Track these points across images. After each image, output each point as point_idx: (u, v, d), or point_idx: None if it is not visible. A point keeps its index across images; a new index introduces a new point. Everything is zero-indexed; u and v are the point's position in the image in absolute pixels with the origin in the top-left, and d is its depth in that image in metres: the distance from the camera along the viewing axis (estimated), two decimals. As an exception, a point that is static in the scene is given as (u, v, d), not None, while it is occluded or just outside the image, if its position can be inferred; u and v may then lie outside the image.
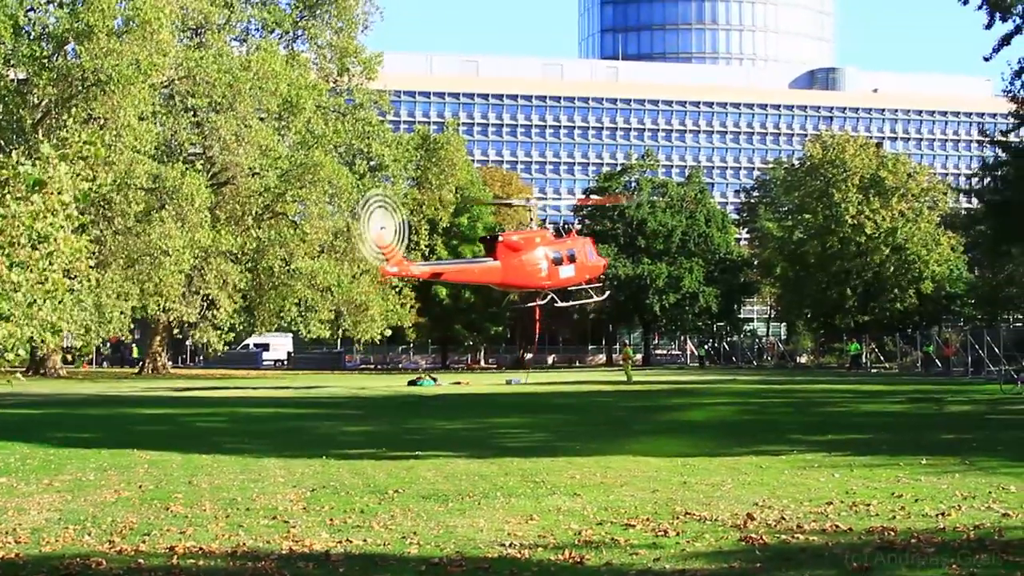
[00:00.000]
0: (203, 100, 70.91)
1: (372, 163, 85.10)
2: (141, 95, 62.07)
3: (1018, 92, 37.53)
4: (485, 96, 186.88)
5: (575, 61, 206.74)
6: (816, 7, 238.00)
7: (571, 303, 61.20)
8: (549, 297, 54.51)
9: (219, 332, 74.50)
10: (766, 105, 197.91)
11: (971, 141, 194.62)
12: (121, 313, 63.35)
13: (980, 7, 37.53)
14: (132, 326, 71.75)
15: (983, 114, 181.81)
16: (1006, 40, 37.09)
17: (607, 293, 65.64)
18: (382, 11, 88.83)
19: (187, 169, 66.30)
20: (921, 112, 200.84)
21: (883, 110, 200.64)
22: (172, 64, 68.23)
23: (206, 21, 77.38)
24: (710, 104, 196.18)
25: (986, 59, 38.36)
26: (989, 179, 41.57)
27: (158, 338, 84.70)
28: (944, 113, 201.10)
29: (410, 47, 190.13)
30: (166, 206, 64.83)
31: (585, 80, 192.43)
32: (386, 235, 45.62)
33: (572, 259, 53.89)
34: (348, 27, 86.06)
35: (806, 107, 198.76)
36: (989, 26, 37.68)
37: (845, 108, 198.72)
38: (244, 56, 77.12)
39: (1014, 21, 37.23)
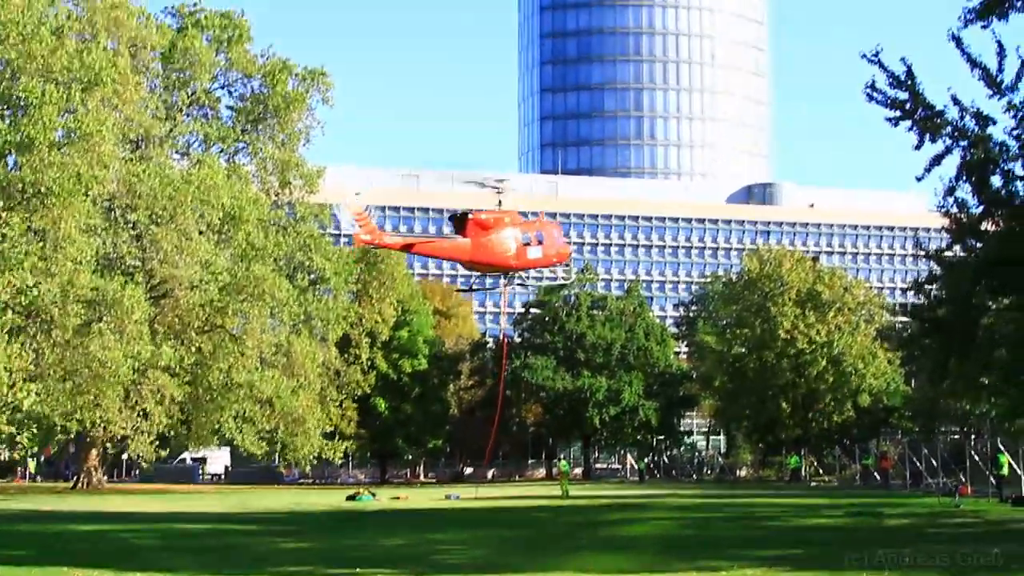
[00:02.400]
0: (144, 214, 70.77)
1: (313, 276, 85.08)
2: (82, 208, 61.86)
3: (951, 208, 38.18)
4: (425, 210, 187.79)
5: (515, 175, 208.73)
6: (753, 124, 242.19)
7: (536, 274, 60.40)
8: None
9: (154, 446, 73.66)
10: (704, 220, 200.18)
11: (906, 255, 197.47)
12: (57, 426, 62.55)
13: (910, 129, 38.28)
14: (64, 440, 70.78)
15: (917, 229, 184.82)
16: (937, 160, 37.82)
17: (569, 264, 64.99)
18: (323, 125, 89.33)
19: (127, 282, 65.92)
20: (857, 227, 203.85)
21: (819, 225, 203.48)
22: (114, 177, 68.14)
23: (148, 134, 77.52)
24: (649, 219, 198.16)
25: (918, 179, 39.08)
26: (923, 298, 42.12)
27: (94, 452, 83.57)
28: (879, 228, 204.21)
29: (351, 161, 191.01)
30: (105, 319, 64.33)
31: (525, 194, 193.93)
32: (359, 201, 45.94)
33: (540, 241, 53.98)
34: (290, 141, 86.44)
35: (743, 222, 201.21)
36: (918, 147, 38.45)
37: (782, 223, 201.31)
38: (186, 169, 77.21)
39: (944, 142, 37.97)
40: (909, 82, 38.08)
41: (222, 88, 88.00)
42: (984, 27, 38.54)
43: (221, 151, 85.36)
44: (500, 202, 55.75)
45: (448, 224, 54.66)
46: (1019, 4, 38.61)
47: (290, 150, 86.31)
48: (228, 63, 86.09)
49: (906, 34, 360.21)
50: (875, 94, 38.60)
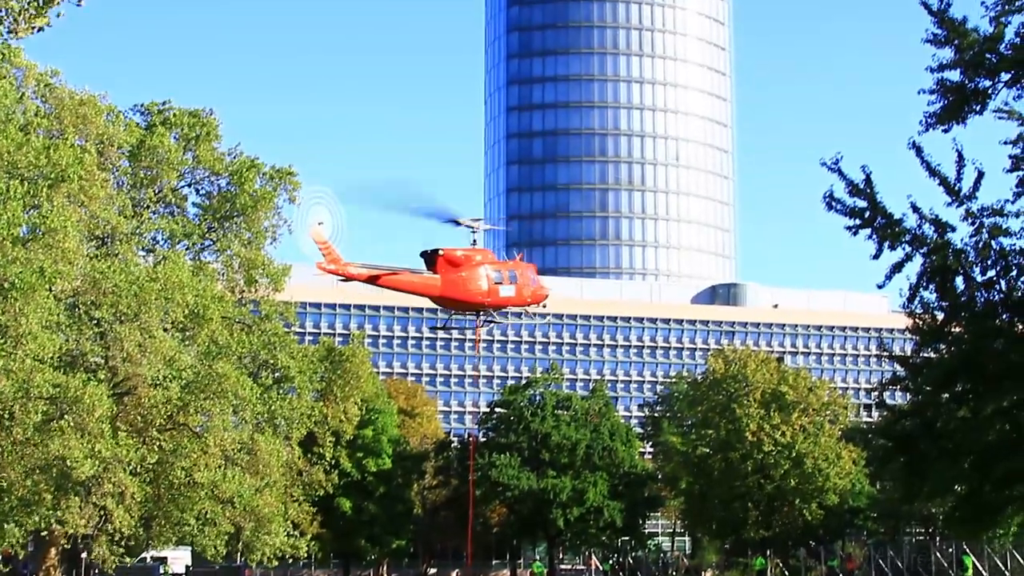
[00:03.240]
0: (108, 311, 70.38)
1: (278, 374, 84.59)
2: (45, 304, 61.53)
3: (915, 309, 38.39)
4: (391, 309, 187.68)
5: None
6: (718, 224, 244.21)
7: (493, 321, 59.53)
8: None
9: (114, 546, 72.58)
10: (669, 320, 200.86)
11: (870, 356, 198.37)
12: (16, 525, 61.57)
13: (869, 237, 38.65)
14: (25, 539, 69.67)
15: (880, 329, 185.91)
16: (897, 268, 38.21)
17: (546, 306, 64.23)
18: (291, 224, 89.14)
19: (89, 379, 65.40)
20: (821, 327, 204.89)
21: (784, 325, 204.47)
22: (78, 274, 67.86)
23: (114, 231, 77.32)
24: (614, 319, 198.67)
25: (879, 286, 39.35)
26: (886, 410, 42.15)
27: (52, 551, 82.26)
28: (843, 328, 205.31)
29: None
30: (66, 416, 63.74)
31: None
32: (323, 231, 45.36)
33: (513, 281, 53.50)
34: (257, 239, 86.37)
35: (708, 322, 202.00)
36: (877, 256, 38.82)
37: (747, 323, 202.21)
38: (151, 267, 76.96)
39: (903, 249, 38.32)
40: (868, 190, 38.52)
41: (189, 186, 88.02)
42: (945, 131, 39.13)
43: (187, 248, 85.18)
44: (475, 241, 55.37)
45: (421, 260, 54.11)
46: (978, 108, 39.25)
47: (256, 248, 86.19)
48: (196, 161, 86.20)
49: (868, 137, 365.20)
50: (834, 203, 39.00)
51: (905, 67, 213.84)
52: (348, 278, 50.47)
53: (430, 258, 51.80)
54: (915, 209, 38.19)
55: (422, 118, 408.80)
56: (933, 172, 38.32)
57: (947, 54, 39.21)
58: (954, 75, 39.38)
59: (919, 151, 38.66)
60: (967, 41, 38.41)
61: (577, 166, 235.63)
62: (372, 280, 52.10)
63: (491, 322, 55.39)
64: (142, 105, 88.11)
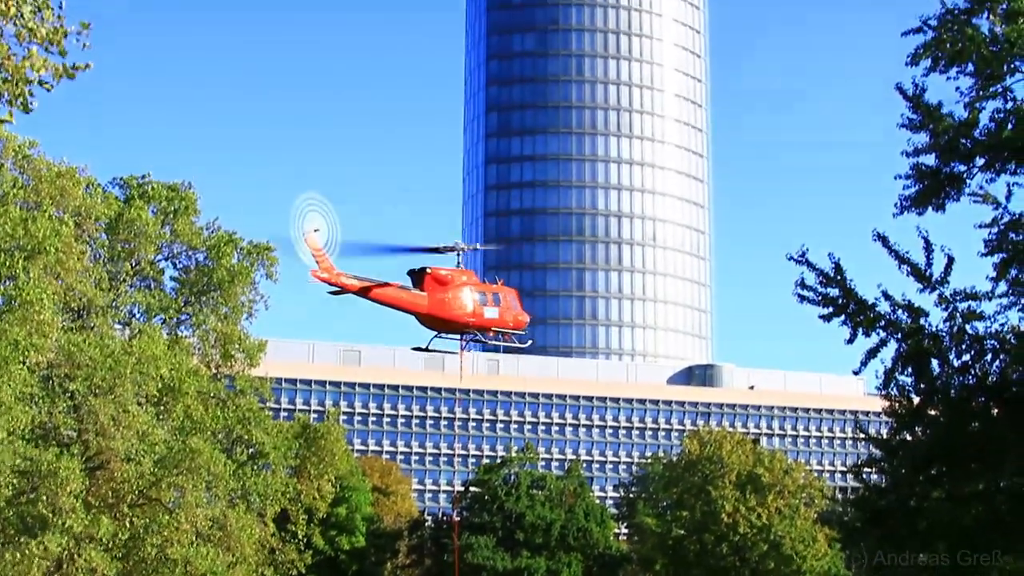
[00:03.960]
0: (83, 384, 69.95)
1: (252, 450, 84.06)
2: (19, 376, 61.13)
3: (891, 392, 38.43)
4: (366, 386, 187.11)
5: (456, 353, 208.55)
6: (694, 305, 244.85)
7: (496, 343, 59.89)
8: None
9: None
10: (645, 400, 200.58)
11: (846, 438, 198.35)
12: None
13: (843, 324, 38.80)
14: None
15: (856, 412, 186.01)
16: (872, 354, 38.32)
17: (529, 342, 64.35)
18: (267, 299, 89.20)
19: (62, 453, 64.89)
20: (797, 409, 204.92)
21: (760, 407, 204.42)
22: (53, 346, 67.52)
23: (90, 304, 77.10)
24: (590, 398, 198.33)
25: (855, 372, 39.41)
26: (863, 487, 42.09)
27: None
28: (819, 411, 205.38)
29: (293, 335, 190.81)
30: (38, 490, 63.13)
31: (466, 372, 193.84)
32: (319, 238, 45.43)
33: (497, 303, 54.02)
34: (233, 314, 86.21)
35: (684, 403, 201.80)
36: (851, 341, 38.93)
37: (723, 404, 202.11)
38: (127, 340, 76.63)
39: (878, 335, 38.45)
40: (839, 278, 38.69)
41: (167, 259, 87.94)
42: (919, 214, 39.39)
43: (163, 322, 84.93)
44: (459, 263, 55.63)
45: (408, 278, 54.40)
46: (954, 193, 39.54)
47: (233, 323, 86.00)
48: (174, 235, 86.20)
49: (843, 219, 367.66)
50: (805, 292, 39.14)
51: (879, 151, 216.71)
52: (341, 288, 50.48)
53: (417, 276, 52.25)
54: (887, 296, 38.34)
55: (401, 194, 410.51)
56: (902, 260, 38.52)
57: (922, 138, 39.55)
58: (929, 159, 39.71)
59: (885, 241, 38.90)
60: (942, 126, 38.76)
61: (554, 245, 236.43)
62: (363, 292, 52.05)
63: (476, 341, 55.79)
64: (121, 178, 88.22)
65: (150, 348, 72.17)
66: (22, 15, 25.11)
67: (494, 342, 58.09)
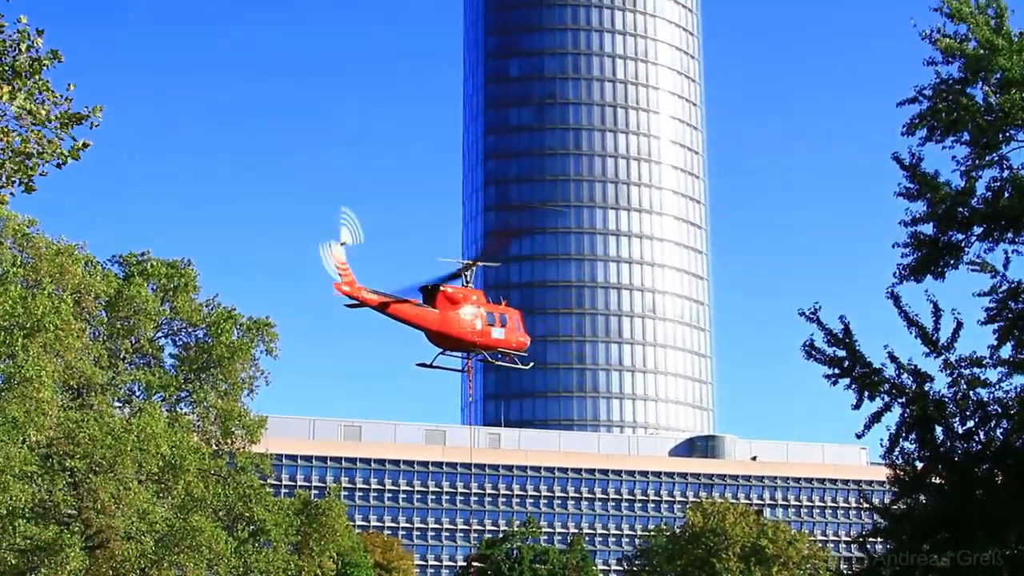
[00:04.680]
0: (82, 461, 69.71)
1: (253, 527, 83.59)
2: (18, 454, 60.96)
3: (895, 460, 38.31)
4: (367, 461, 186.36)
5: (457, 427, 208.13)
6: (695, 376, 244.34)
7: (500, 363, 60.08)
8: None
9: None
10: (647, 473, 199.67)
11: (849, 508, 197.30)
12: None
13: (848, 387, 38.76)
14: None
15: (860, 481, 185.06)
16: (876, 418, 38.23)
17: (531, 364, 64.59)
18: (268, 375, 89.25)
19: (62, 531, 64.55)
20: (800, 480, 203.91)
21: (763, 478, 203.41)
22: (52, 424, 67.37)
23: (89, 382, 76.98)
24: (592, 471, 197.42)
25: (858, 436, 39.31)
26: (866, 556, 41.87)
27: None
28: (822, 481, 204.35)
29: (293, 410, 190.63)
30: (38, 568, 62.76)
31: (467, 446, 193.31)
32: (343, 252, 46.42)
33: (504, 324, 54.88)
34: (233, 390, 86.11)
35: (687, 475, 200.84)
36: (857, 406, 38.83)
37: (725, 476, 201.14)
38: (126, 418, 76.45)
39: (883, 399, 38.38)
40: (847, 340, 38.66)
41: (166, 336, 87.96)
42: (918, 282, 39.44)
43: (163, 400, 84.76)
44: (467, 282, 56.30)
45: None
46: (952, 261, 39.60)
47: (233, 400, 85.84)
48: (173, 312, 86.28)
49: (844, 286, 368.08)
50: (813, 352, 39.11)
51: (880, 218, 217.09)
52: (361, 302, 51.00)
53: (429, 294, 52.99)
54: (893, 359, 38.31)
55: (401, 267, 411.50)
56: (912, 323, 38.53)
57: (920, 207, 39.68)
58: (927, 228, 39.81)
59: (897, 301, 38.93)
60: (939, 195, 38.90)
61: (554, 318, 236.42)
62: (382, 307, 52.60)
63: (484, 361, 56.43)
64: (120, 255, 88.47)
65: (150, 425, 71.97)
66: (24, 91, 25.31)
67: (499, 363, 58.65)
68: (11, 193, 26.42)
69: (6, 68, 25.10)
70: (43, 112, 25.72)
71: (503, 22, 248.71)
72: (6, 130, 25.67)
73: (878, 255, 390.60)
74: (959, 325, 37.89)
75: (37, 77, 25.60)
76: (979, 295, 39.08)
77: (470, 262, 56.88)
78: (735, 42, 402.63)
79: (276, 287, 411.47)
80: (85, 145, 26.53)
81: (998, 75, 37.84)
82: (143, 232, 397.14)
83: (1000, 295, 38.45)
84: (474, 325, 53.78)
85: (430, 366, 57.58)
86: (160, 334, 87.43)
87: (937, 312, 38.13)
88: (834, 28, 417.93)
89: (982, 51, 37.75)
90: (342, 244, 48.20)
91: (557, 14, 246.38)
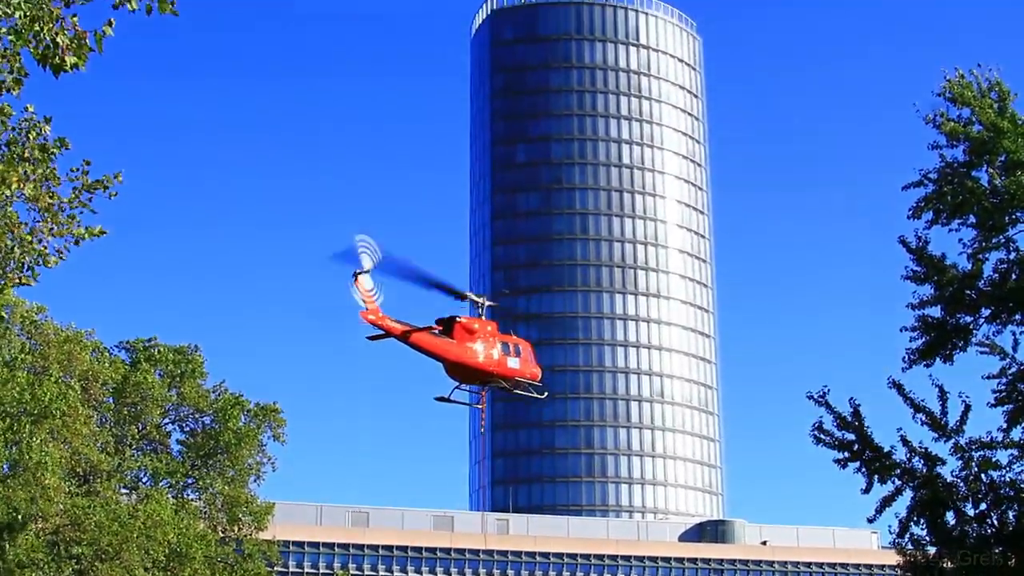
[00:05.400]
0: (88, 548, 69.42)
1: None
2: (24, 542, 60.73)
3: (905, 545, 38.03)
4: (375, 548, 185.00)
5: (465, 513, 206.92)
6: (704, 461, 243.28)
7: (517, 391, 60.13)
8: None
9: None
10: (657, 559, 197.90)
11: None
12: None
13: (858, 470, 38.60)
14: None
15: (872, 565, 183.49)
16: (887, 502, 38.02)
17: (545, 394, 64.76)
18: (275, 461, 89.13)
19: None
20: (811, 564, 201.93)
21: (773, 563, 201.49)
22: (58, 511, 67.19)
23: (96, 468, 76.88)
24: (600, 557, 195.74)
25: (870, 520, 39.08)
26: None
27: None
28: (833, 565, 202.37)
29: (300, 497, 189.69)
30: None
31: (475, 532, 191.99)
32: (368, 280, 46.86)
33: (518, 354, 55.59)
34: (240, 477, 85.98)
35: (697, 560, 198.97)
36: (867, 490, 38.65)
37: (736, 561, 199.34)
38: (133, 504, 76.25)
39: (893, 483, 38.20)
40: (856, 423, 38.55)
41: (173, 423, 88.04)
42: (927, 366, 39.38)
43: (170, 486, 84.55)
44: (481, 314, 56.84)
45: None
46: (961, 344, 39.55)
47: (240, 486, 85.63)
48: (180, 398, 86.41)
49: (854, 368, 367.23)
50: (822, 436, 38.98)
51: (888, 300, 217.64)
52: (385, 331, 51.25)
53: (447, 325, 53.36)
54: (904, 442, 38.20)
55: (406, 358, 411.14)
56: (918, 409, 38.46)
57: (927, 290, 39.73)
58: (935, 311, 39.83)
59: (900, 389, 38.87)
60: (947, 278, 38.96)
61: (562, 403, 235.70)
62: (405, 335, 52.90)
63: (500, 388, 56.86)
64: (127, 342, 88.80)
65: (157, 512, 71.77)
66: (32, 180, 25.51)
67: (516, 391, 58.88)
68: (20, 282, 26.54)
69: (15, 156, 25.33)
70: (49, 200, 25.93)
71: (509, 108, 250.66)
72: (15, 217, 25.86)
73: (887, 337, 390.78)
74: (967, 408, 37.83)
75: (46, 165, 25.83)
76: (988, 377, 39.03)
77: (483, 298, 57.58)
78: (741, 126, 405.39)
79: (284, 372, 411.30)
80: (101, 232, 26.76)
81: (1003, 158, 38.04)
82: (151, 317, 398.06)
83: (1009, 377, 38.39)
84: (491, 355, 54.46)
85: (447, 400, 57.95)
86: (167, 420, 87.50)
87: (944, 396, 38.07)
88: (839, 111, 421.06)
89: (986, 134, 37.98)
90: (365, 272, 48.72)
91: (563, 100, 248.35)
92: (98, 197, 26.77)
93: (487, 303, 57.57)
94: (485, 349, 54.46)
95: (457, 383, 56.87)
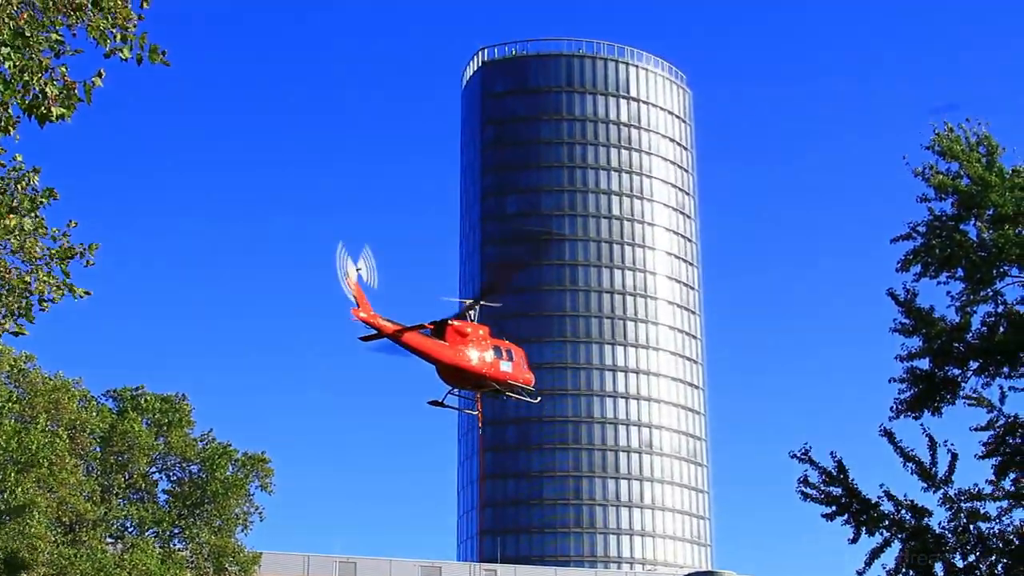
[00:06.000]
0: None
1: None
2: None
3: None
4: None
5: (453, 564, 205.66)
6: (693, 512, 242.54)
7: (511, 395, 59.53)
8: None
9: None
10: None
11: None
12: None
13: (845, 523, 38.56)
14: None
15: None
16: (876, 554, 37.97)
17: (539, 399, 64.21)
18: (262, 511, 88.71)
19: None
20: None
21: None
22: (44, 560, 66.79)
23: (81, 518, 76.46)
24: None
25: (859, 572, 38.97)
26: None
27: None
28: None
29: (288, 546, 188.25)
30: None
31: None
32: (360, 277, 46.95)
33: (511, 358, 55.62)
34: (227, 526, 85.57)
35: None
36: (855, 540, 38.60)
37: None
38: (119, 553, 75.85)
39: (881, 534, 38.16)
40: (842, 476, 38.53)
41: (160, 472, 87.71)
42: (916, 418, 39.41)
43: (156, 535, 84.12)
44: (474, 317, 56.86)
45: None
46: (949, 396, 39.61)
47: (227, 535, 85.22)
48: (167, 447, 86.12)
49: (841, 419, 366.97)
50: (808, 489, 38.94)
51: (877, 351, 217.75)
52: (377, 330, 51.00)
53: (439, 328, 53.12)
54: (890, 497, 38.15)
55: (395, 407, 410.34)
56: (908, 458, 38.45)
57: (916, 343, 39.82)
58: (923, 363, 39.91)
59: (891, 437, 38.89)
60: (935, 330, 39.05)
61: (551, 453, 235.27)
62: (397, 335, 52.57)
63: (494, 393, 56.60)
64: (115, 390, 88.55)
65: (143, 561, 71.44)
66: (22, 228, 25.53)
67: (509, 394, 58.54)
68: (16, 332, 26.51)
69: (3, 206, 25.36)
70: (37, 250, 25.96)
71: (500, 160, 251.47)
72: (5, 264, 25.87)
73: (875, 388, 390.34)
74: (955, 458, 37.84)
75: (34, 214, 25.86)
76: (976, 429, 39.07)
77: (472, 300, 57.52)
78: (730, 178, 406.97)
79: (273, 420, 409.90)
80: (86, 293, 26.75)
81: (991, 211, 38.24)
82: (138, 365, 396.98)
83: (998, 429, 38.44)
84: (484, 358, 54.38)
85: (441, 404, 57.79)
86: (154, 469, 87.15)
87: (933, 446, 38.10)
88: (828, 164, 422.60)
89: (975, 188, 38.19)
90: (358, 270, 48.89)
91: (553, 152, 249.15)
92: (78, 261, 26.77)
93: (477, 305, 57.61)
94: (478, 352, 54.40)
95: (450, 389, 56.85)
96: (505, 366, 55.81)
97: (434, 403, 57.55)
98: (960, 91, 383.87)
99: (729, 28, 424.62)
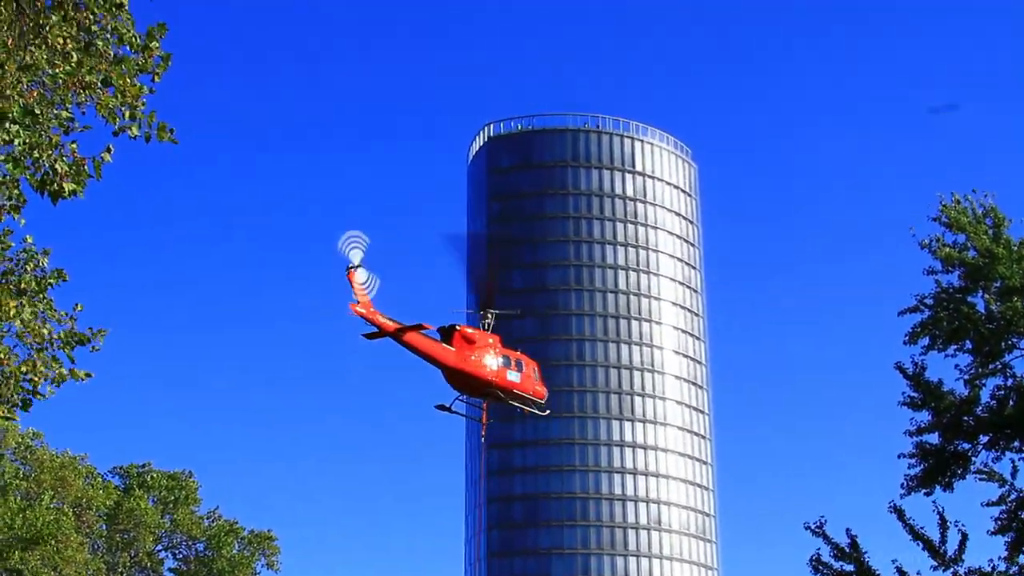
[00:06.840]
0: None
1: None
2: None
3: None
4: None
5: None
6: (702, 563, 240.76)
7: (518, 405, 58.45)
8: None
9: None
10: None
11: None
12: None
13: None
14: None
15: None
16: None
17: (548, 412, 62.87)
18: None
19: None
20: None
21: None
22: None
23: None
24: None
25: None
26: None
27: None
28: None
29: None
30: None
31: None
32: (359, 274, 45.38)
33: (520, 369, 55.40)
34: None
35: None
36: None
37: None
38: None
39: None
40: (854, 554, 38.19)
41: (166, 550, 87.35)
42: (927, 495, 39.09)
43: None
44: (487, 326, 56.42)
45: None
46: (959, 471, 39.30)
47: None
48: (173, 525, 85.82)
49: (850, 494, 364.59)
50: (820, 567, 38.58)
51: (885, 425, 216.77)
52: (377, 327, 50.16)
53: (447, 333, 53.14)
54: (901, 574, 37.81)
55: (402, 483, 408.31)
56: (917, 536, 38.13)
57: (925, 416, 39.60)
58: (933, 437, 39.66)
59: (901, 515, 38.57)
60: (944, 404, 38.85)
61: (559, 530, 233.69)
62: (397, 333, 51.63)
63: (500, 401, 56.13)
64: (121, 467, 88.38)
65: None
66: (23, 319, 25.51)
67: (515, 404, 57.88)
68: (8, 417, 26.46)
69: (11, 287, 25.36)
70: (45, 331, 25.91)
71: (505, 234, 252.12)
72: (7, 350, 25.80)
73: (886, 463, 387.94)
74: (964, 537, 37.47)
75: (42, 296, 25.86)
76: (987, 504, 38.72)
77: (485, 311, 57.31)
78: (736, 252, 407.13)
79: (280, 497, 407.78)
80: (87, 375, 26.64)
81: (998, 283, 38.13)
82: (145, 441, 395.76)
83: (1009, 505, 38.09)
84: (490, 365, 54.02)
85: (448, 409, 57.29)
86: (160, 547, 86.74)
87: (944, 524, 37.76)
88: (836, 237, 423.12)
89: (982, 260, 38.12)
90: (359, 266, 48.58)
91: (559, 226, 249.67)
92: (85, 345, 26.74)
93: (492, 315, 57.41)
94: (484, 359, 54.07)
95: (458, 395, 56.58)
96: (512, 376, 55.50)
97: (441, 407, 57.09)
98: (975, 156, 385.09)
99: (733, 102, 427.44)
